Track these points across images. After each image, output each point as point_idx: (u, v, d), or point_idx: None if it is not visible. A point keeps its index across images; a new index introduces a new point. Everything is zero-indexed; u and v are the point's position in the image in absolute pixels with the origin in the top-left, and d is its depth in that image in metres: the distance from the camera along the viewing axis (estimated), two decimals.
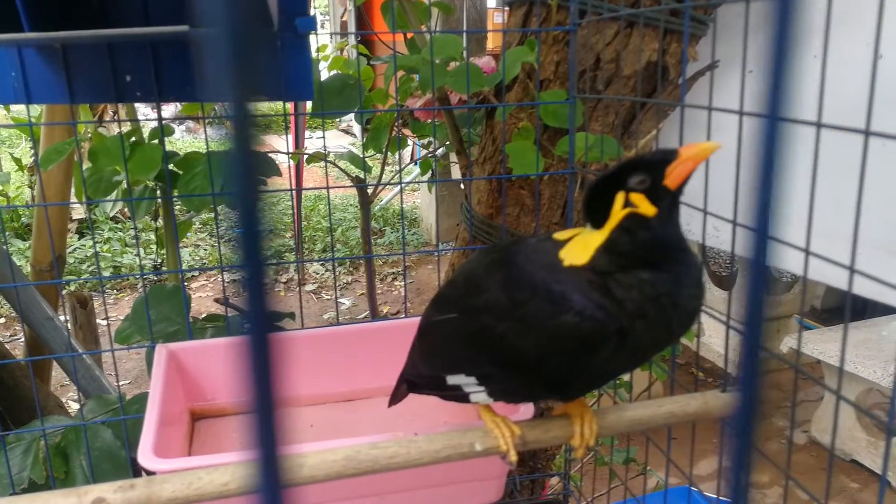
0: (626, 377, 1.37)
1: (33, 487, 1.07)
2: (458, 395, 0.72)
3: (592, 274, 0.63)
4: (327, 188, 1.11)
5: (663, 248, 0.63)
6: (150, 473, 0.77)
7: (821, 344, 2.57)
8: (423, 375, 0.78)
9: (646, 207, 0.62)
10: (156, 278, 3.74)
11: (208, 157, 1.11)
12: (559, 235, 0.68)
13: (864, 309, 2.76)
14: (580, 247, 0.64)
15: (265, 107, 1.38)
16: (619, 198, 0.62)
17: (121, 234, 4.85)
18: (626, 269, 0.62)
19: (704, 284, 0.66)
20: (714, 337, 3.22)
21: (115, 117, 1.90)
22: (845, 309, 0.67)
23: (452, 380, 0.72)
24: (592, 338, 0.61)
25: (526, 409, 0.86)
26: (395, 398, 0.84)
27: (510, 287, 0.66)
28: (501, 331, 0.65)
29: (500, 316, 0.65)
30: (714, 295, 3.16)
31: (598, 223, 0.64)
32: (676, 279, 0.63)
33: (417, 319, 1.09)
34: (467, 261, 0.81)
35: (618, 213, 0.62)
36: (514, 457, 0.74)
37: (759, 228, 0.21)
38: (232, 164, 0.17)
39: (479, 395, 0.71)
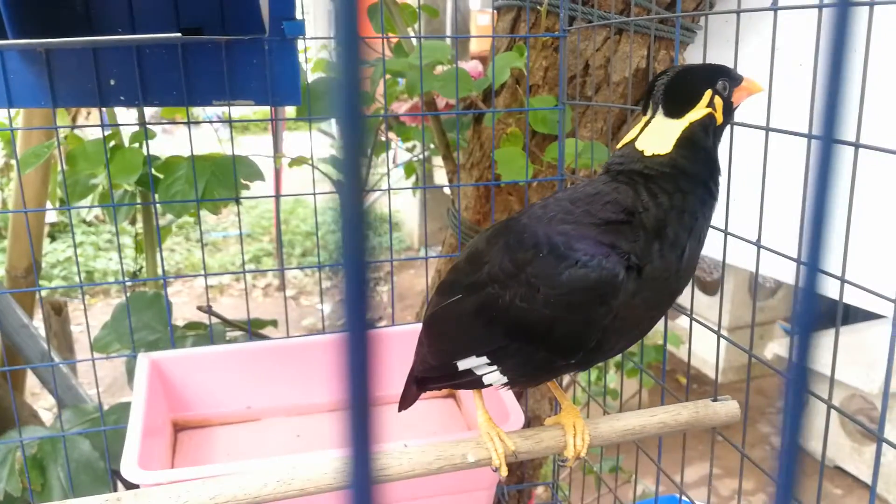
0: (613, 384, 1.37)
1: (9, 500, 1.04)
2: (472, 381, 0.70)
3: (628, 191, 0.62)
4: (314, 194, 1.09)
5: (710, 164, 0.63)
6: (132, 486, 0.75)
7: None
8: (433, 367, 0.75)
9: (720, 114, 0.63)
10: (135, 285, 3.69)
11: (192, 161, 1.08)
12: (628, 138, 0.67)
13: (846, 314, 2.77)
14: (657, 135, 0.63)
15: (246, 110, 1.36)
16: (708, 94, 0.62)
17: (94, 237, 4.77)
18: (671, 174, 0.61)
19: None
20: (699, 343, 3.23)
21: (89, 119, 1.87)
22: (836, 318, 0.67)
23: (464, 364, 0.70)
24: (604, 285, 0.59)
25: (516, 419, 0.85)
26: (406, 402, 0.81)
27: (513, 250, 0.64)
28: (509, 298, 0.63)
29: (505, 283, 0.63)
30: (700, 301, 3.16)
31: (673, 112, 0.63)
32: (702, 203, 0.62)
33: (405, 328, 1.09)
34: (469, 243, 0.80)
35: (703, 107, 0.62)
36: (504, 472, 0.73)
37: (809, 263, 0.20)
38: (343, 163, 0.18)
39: (492, 375, 0.69)
